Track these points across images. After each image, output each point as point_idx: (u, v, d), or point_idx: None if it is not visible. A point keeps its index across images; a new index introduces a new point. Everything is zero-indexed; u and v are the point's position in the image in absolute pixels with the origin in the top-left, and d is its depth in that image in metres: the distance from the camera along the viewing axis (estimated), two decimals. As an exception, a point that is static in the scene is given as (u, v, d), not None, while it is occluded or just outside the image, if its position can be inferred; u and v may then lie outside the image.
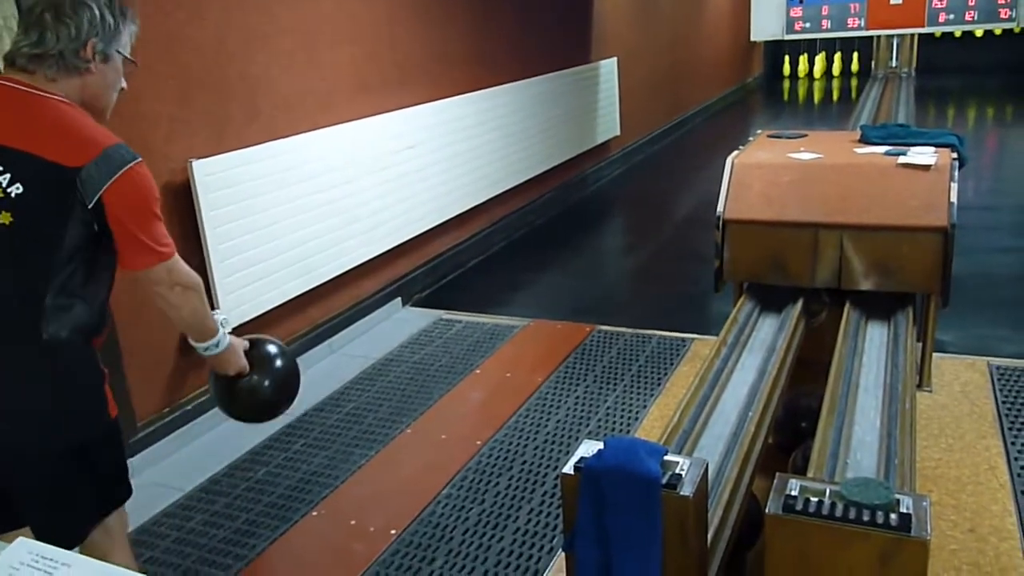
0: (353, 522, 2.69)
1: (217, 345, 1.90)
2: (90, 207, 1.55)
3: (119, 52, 1.71)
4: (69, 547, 1.37)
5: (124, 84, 1.77)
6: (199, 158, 3.21)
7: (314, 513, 2.74)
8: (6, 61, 1.63)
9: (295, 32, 3.74)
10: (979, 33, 13.31)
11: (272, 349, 2.13)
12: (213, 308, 3.28)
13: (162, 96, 3.11)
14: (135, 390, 3.06)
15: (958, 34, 13.79)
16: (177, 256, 1.74)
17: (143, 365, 3.10)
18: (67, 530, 1.70)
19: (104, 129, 1.63)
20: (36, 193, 1.54)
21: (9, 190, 1.53)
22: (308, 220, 3.77)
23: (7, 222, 1.54)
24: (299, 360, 3.76)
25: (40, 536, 1.38)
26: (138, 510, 2.82)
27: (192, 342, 1.88)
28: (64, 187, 1.52)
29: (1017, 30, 13.32)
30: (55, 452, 1.65)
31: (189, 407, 3.29)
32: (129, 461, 3.00)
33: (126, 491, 1.87)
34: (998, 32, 13.36)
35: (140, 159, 1.63)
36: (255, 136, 3.51)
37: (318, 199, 3.83)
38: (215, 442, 3.27)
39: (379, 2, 4.33)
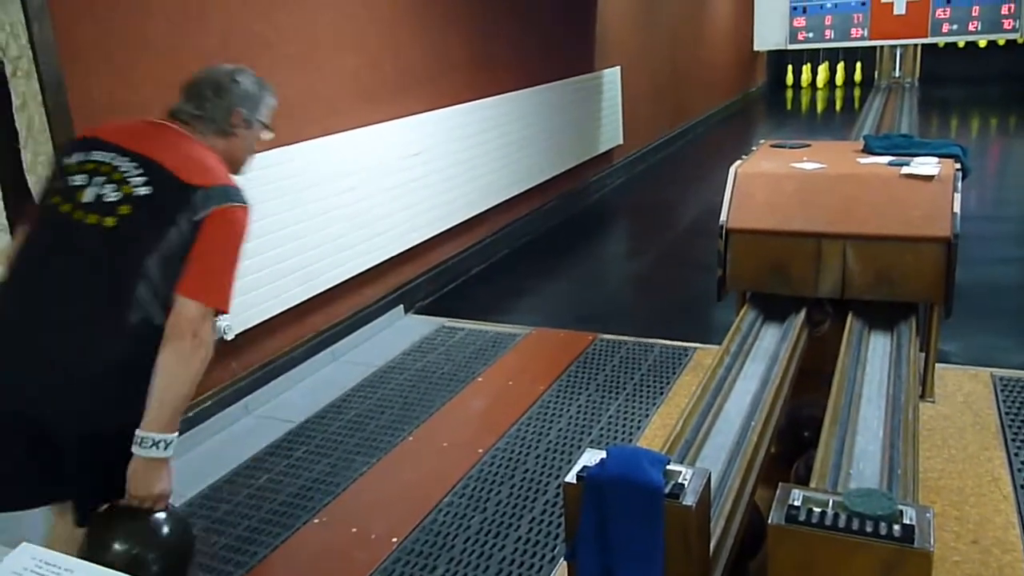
0: (355, 530, 2.68)
1: (166, 447, 1.73)
2: (195, 219, 1.71)
3: (259, 120, 2.03)
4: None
5: (256, 149, 2.07)
6: (203, 165, 3.21)
7: (316, 520, 2.74)
8: (169, 115, 1.92)
9: (298, 39, 3.76)
10: (982, 44, 13.35)
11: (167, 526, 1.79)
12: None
13: (167, 104, 3.11)
14: (138, 396, 3.06)
15: (961, 44, 13.86)
16: (215, 317, 1.79)
17: (146, 371, 3.11)
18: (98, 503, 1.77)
19: (232, 177, 1.85)
20: (158, 197, 1.72)
21: (138, 190, 1.73)
22: (310, 227, 3.78)
23: (125, 213, 1.71)
24: (302, 367, 3.81)
25: (80, 507, 1.72)
26: (140, 516, 2.82)
27: (142, 428, 1.69)
28: (182, 197, 1.71)
29: (1021, 40, 13.38)
30: (113, 431, 1.72)
31: (191, 414, 3.29)
32: (131, 467, 3.02)
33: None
34: (1001, 43, 13.42)
35: (249, 206, 1.82)
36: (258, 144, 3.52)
37: (320, 206, 3.83)
38: (216, 449, 3.27)
39: (382, 10, 4.34)
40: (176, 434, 1.75)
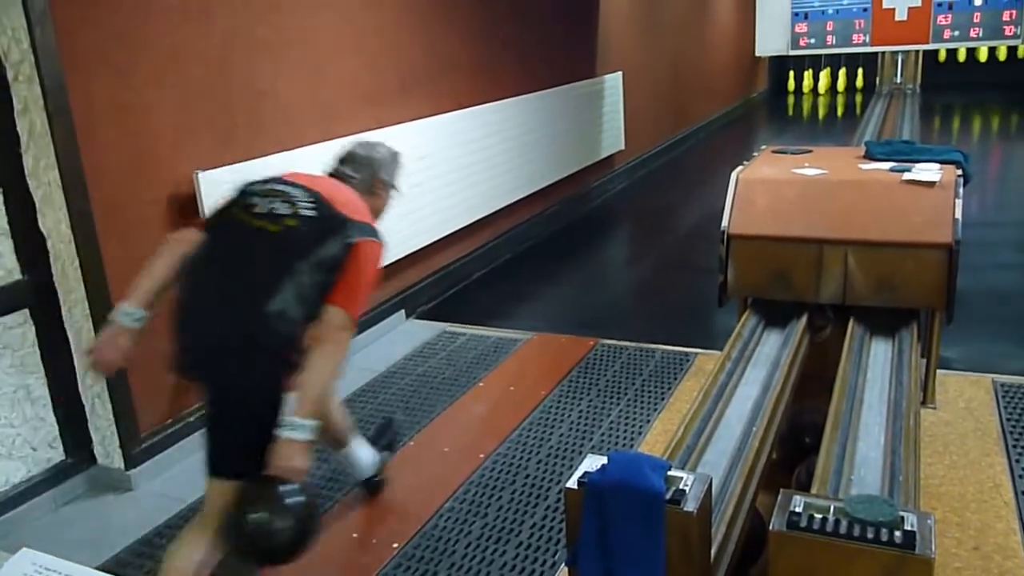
0: (355, 535, 2.68)
1: (309, 431, 1.96)
2: (347, 243, 2.06)
3: (393, 184, 2.49)
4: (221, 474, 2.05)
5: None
6: (205, 169, 3.22)
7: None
8: (330, 175, 2.40)
9: (300, 44, 3.77)
10: (983, 58, 13.41)
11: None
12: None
13: (168, 108, 3.13)
14: (139, 402, 3.06)
15: (962, 58, 13.90)
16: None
17: (147, 376, 3.10)
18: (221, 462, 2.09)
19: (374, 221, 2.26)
20: (319, 219, 2.08)
21: (304, 211, 2.09)
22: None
23: (290, 224, 2.06)
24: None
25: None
26: (140, 521, 2.82)
27: (295, 413, 1.95)
28: (339, 224, 2.09)
29: (1022, 54, 13.39)
30: (244, 393, 2.05)
31: (192, 419, 3.29)
32: (131, 472, 3.03)
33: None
34: (1002, 57, 13.45)
35: (385, 245, 2.21)
36: (260, 148, 3.53)
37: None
38: (218, 453, 3.27)
39: (384, 15, 4.35)
40: (317, 421, 1.99)
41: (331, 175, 2.40)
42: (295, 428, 1.93)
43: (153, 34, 3.05)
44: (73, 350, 2.96)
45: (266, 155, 3.53)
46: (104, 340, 2.16)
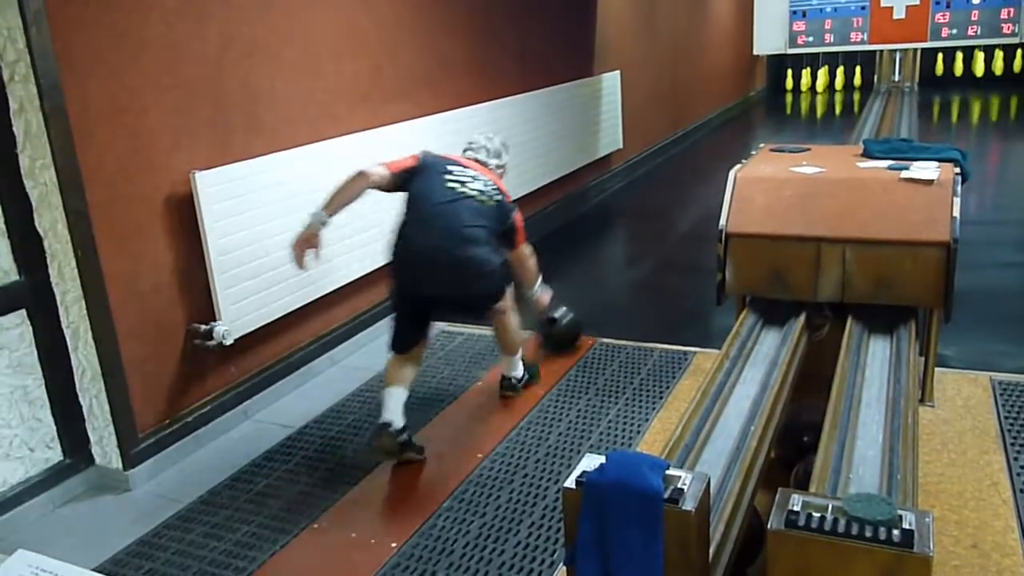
0: (354, 534, 2.68)
1: (541, 290, 3.75)
2: (512, 222, 3.31)
3: (505, 167, 3.55)
4: (479, 318, 3.54)
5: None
6: (202, 169, 3.21)
7: (315, 525, 2.74)
8: (477, 160, 3.41)
9: (298, 44, 3.76)
10: (979, 72, 13.49)
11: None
12: (215, 319, 3.30)
13: (165, 108, 3.13)
14: (136, 401, 3.06)
15: (959, 72, 13.95)
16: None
17: (144, 376, 3.10)
18: (477, 313, 3.46)
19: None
20: (500, 204, 3.22)
21: (493, 196, 3.20)
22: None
23: (485, 202, 3.15)
24: (300, 372, 3.82)
25: (468, 315, 3.79)
26: (138, 522, 2.82)
27: (526, 290, 3.66)
28: (508, 209, 3.29)
29: (1018, 67, 13.43)
30: (478, 265, 3.10)
31: (190, 419, 3.29)
32: (129, 473, 3.03)
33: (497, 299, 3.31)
34: (998, 71, 13.49)
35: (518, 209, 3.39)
36: (257, 148, 3.53)
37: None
38: (216, 454, 3.27)
39: (382, 14, 4.35)
40: (540, 284, 3.72)
41: (478, 163, 3.36)
42: (535, 290, 3.71)
43: (150, 34, 3.05)
44: (70, 350, 2.95)
45: (263, 155, 3.52)
46: (302, 238, 2.94)
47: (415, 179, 3.15)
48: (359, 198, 3.06)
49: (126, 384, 3.02)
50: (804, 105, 14.28)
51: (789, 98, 15.09)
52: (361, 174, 3.04)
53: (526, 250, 3.48)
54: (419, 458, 3.09)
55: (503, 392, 3.57)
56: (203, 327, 3.28)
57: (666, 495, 1.55)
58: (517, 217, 3.33)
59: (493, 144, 3.46)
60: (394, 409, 3.05)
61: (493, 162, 3.41)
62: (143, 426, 3.10)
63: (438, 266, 3.03)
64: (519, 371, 3.60)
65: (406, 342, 3.22)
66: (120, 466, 3.03)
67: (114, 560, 2.61)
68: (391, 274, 3.22)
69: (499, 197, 3.21)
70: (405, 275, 3.16)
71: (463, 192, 3.12)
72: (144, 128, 3.05)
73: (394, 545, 2.59)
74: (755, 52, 8.89)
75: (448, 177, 3.15)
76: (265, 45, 3.57)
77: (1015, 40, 8.00)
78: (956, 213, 2.77)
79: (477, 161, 3.36)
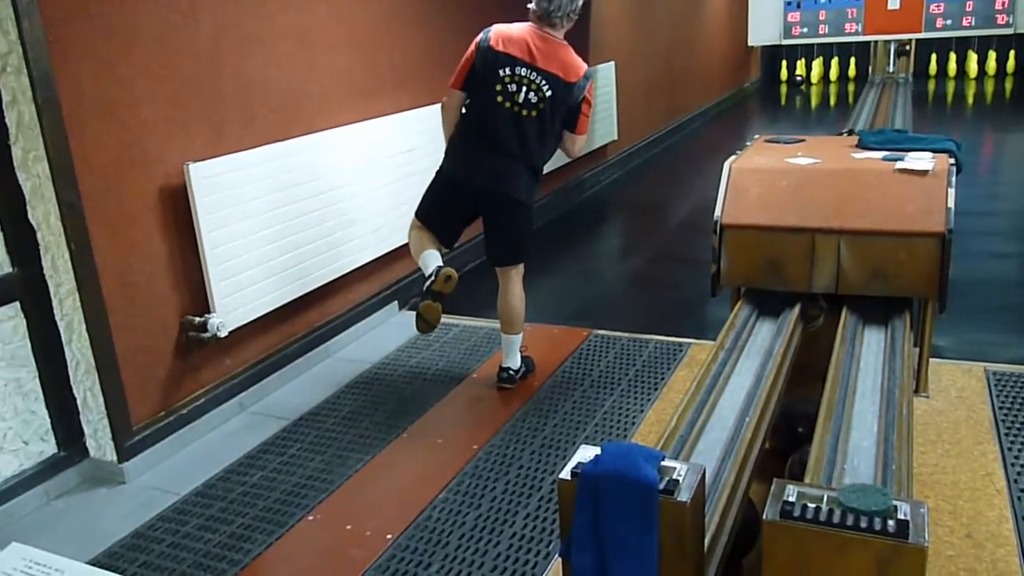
0: (349, 527, 2.68)
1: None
2: (578, 101, 3.28)
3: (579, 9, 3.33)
4: (498, 262, 3.55)
5: None
6: (195, 161, 3.20)
7: (310, 518, 2.74)
8: (540, 17, 3.25)
9: (292, 35, 3.74)
10: (972, 74, 13.57)
11: None
12: (209, 311, 3.29)
13: (158, 99, 3.11)
14: (131, 394, 3.05)
15: (952, 72, 14.04)
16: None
17: (139, 369, 3.10)
18: (510, 252, 3.50)
19: (581, 61, 3.29)
20: (558, 96, 3.22)
21: (547, 93, 3.21)
22: (305, 224, 3.76)
23: (543, 107, 3.23)
24: (296, 364, 3.81)
25: (491, 251, 3.57)
26: (133, 514, 2.82)
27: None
28: (569, 92, 3.24)
29: (1011, 68, 13.50)
30: (520, 200, 3.37)
31: (185, 411, 3.28)
32: (123, 466, 3.02)
33: (527, 256, 3.55)
34: (991, 72, 13.56)
35: (592, 76, 3.35)
36: (251, 139, 3.51)
37: (315, 202, 3.82)
38: (211, 446, 3.26)
39: (377, 6, 4.33)
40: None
41: (543, 18, 3.22)
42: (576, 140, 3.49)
43: (143, 25, 3.03)
44: (64, 343, 2.94)
45: (257, 146, 3.50)
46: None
47: (470, 84, 3.27)
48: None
49: (120, 377, 3.01)
50: (799, 96, 14.27)
51: (784, 89, 15.09)
52: (445, 108, 3.38)
53: (579, 143, 3.42)
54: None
55: (500, 384, 3.56)
56: (197, 319, 3.27)
57: (661, 486, 1.55)
58: (585, 103, 3.28)
59: None
60: (434, 259, 3.45)
61: (565, 25, 3.29)
62: (137, 418, 3.10)
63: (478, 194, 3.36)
64: (517, 361, 3.58)
65: (431, 219, 3.50)
66: (114, 458, 3.02)
67: (108, 553, 2.61)
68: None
69: (556, 90, 3.19)
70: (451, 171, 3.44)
71: (510, 110, 3.20)
72: (137, 119, 3.03)
73: (389, 537, 2.59)
74: (750, 43, 8.88)
75: (499, 88, 3.19)
76: (259, 36, 3.55)
77: (1010, 31, 8.00)
78: (951, 204, 2.77)
79: (551, 29, 3.25)
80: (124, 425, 3.03)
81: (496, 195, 3.34)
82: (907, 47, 9.12)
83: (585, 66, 3.28)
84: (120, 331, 3.00)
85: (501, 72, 3.20)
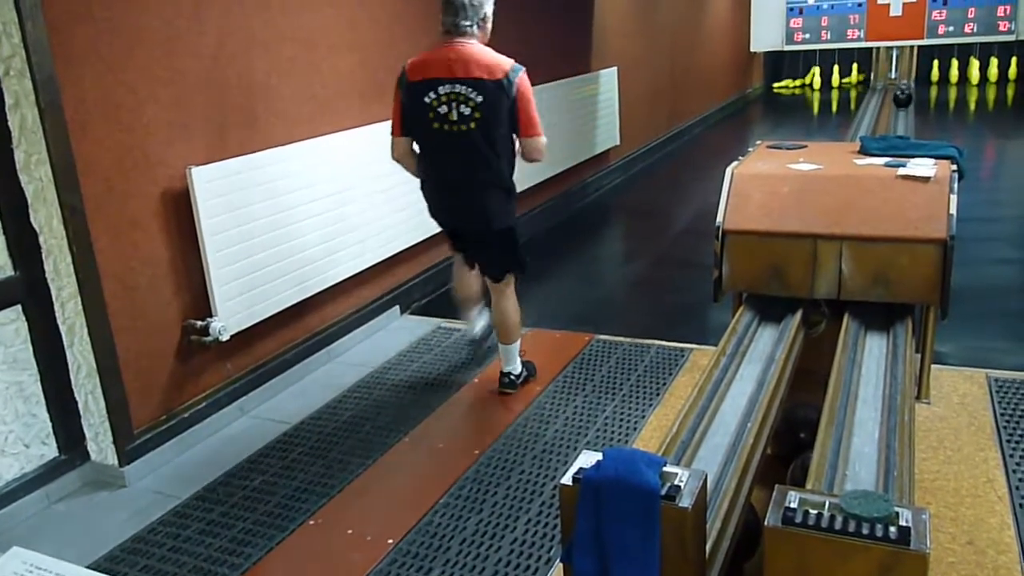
0: (350, 531, 2.68)
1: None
2: (512, 96, 3.04)
3: (491, 10, 3.16)
4: (495, 278, 3.45)
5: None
6: (198, 165, 3.20)
7: (311, 522, 2.73)
8: (447, 32, 3.08)
9: (295, 39, 3.75)
10: (974, 80, 13.62)
11: None
12: (211, 315, 3.29)
13: (161, 102, 3.12)
14: (132, 397, 3.06)
15: (954, 79, 14.13)
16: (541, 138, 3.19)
17: (140, 372, 3.10)
18: (499, 270, 3.41)
19: (503, 57, 3.08)
20: (489, 99, 3.03)
21: (478, 99, 3.02)
22: (307, 228, 3.77)
23: (478, 117, 3.04)
24: (297, 368, 3.81)
25: (487, 270, 3.48)
26: (133, 518, 2.82)
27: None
28: (500, 90, 3.02)
29: (1013, 74, 13.53)
30: (499, 227, 3.27)
31: (186, 415, 3.28)
32: (124, 469, 3.02)
33: (521, 269, 3.44)
34: (992, 78, 13.61)
35: (524, 69, 3.10)
36: (254, 143, 3.52)
37: (317, 207, 3.83)
38: (212, 450, 3.26)
39: (380, 11, 4.34)
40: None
41: (450, 32, 3.06)
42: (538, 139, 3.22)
43: (146, 29, 3.04)
44: (65, 346, 2.94)
45: (260, 150, 3.51)
46: None
47: (408, 126, 3.19)
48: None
49: (121, 380, 3.01)
50: (801, 102, 14.28)
51: (787, 94, 15.10)
52: (398, 159, 3.31)
53: (537, 145, 3.18)
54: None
55: (502, 389, 3.55)
56: (199, 323, 3.27)
57: (663, 492, 1.55)
58: (521, 97, 3.06)
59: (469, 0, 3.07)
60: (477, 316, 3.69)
61: (472, 25, 3.08)
62: (138, 422, 3.10)
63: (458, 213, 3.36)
64: (518, 367, 3.58)
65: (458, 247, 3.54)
66: (115, 462, 3.02)
67: (109, 557, 2.61)
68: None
69: (486, 93, 3.01)
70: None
71: (450, 131, 3.07)
72: (140, 123, 3.04)
73: (391, 542, 2.59)
74: (752, 49, 8.89)
75: (431, 116, 3.08)
76: (262, 40, 3.56)
77: (1011, 38, 8.00)
78: (953, 210, 2.77)
79: (462, 38, 3.08)
80: (125, 429, 3.03)
81: (474, 231, 3.35)
82: (907, 91, 9.18)
83: (510, 61, 3.07)
84: (122, 334, 3.00)
85: (426, 99, 3.07)
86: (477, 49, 3.07)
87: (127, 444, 3.04)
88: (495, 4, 3.19)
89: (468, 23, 3.06)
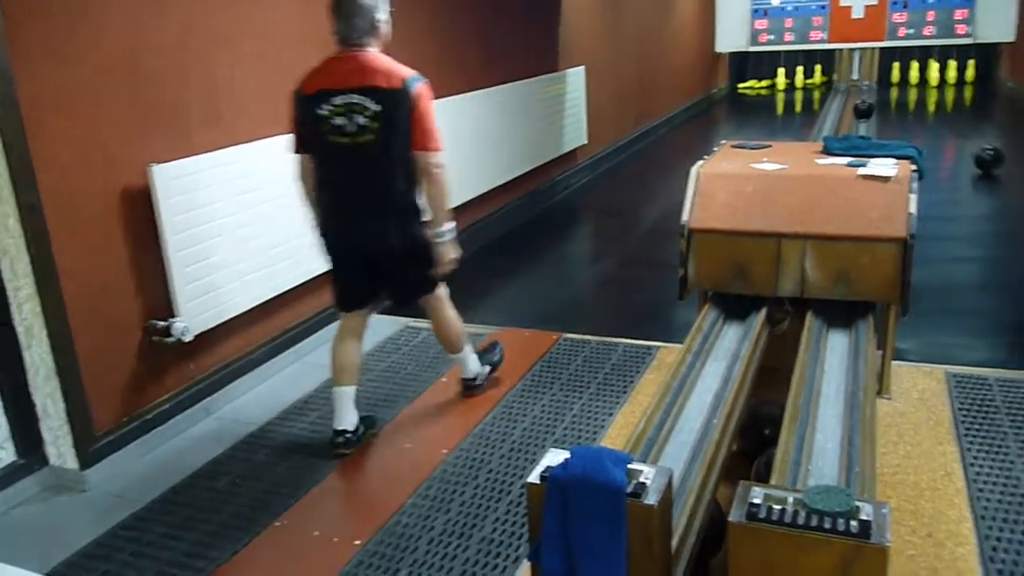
0: (317, 533, 2.65)
1: (450, 232, 3.03)
2: (409, 105, 2.81)
3: (385, 16, 2.94)
4: (408, 304, 3.33)
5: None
6: (159, 162, 3.16)
7: (277, 524, 2.71)
8: (342, 42, 2.88)
9: (260, 35, 3.71)
10: (933, 82, 13.90)
11: None
12: (174, 315, 3.24)
13: (122, 99, 3.06)
14: (93, 400, 3.00)
15: (914, 80, 14.44)
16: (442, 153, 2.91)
17: (101, 374, 3.04)
18: (407, 298, 3.27)
19: (401, 65, 2.88)
20: (387, 107, 2.81)
21: (375, 108, 2.81)
22: (273, 226, 3.73)
23: (376, 127, 2.82)
24: (264, 367, 3.77)
25: (396, 299, 3.33)
26: (94, 523, 2.76)
27: (434, 227, 3.00)
28: (397, 98, 2.81)
29: (970, 77, 13.84)
30: (400, 251, 3.01)
31: (149, 416, 3.23)
32: (86, 473, 2.96)
33: (432, 287, 3.20)
34: (951, 80, 13.92)
35: (426, 80, 2.90)
36: (218, 140, 3.47)
37: (281, 205, 3.78)
38: (176, 453, 3.21)
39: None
40: (453, 224, 3.04)
41: (344, 42, 2.88)
42: (443, 233, 3.01)
43: (107, 24, 2.98)
44: (23, 348, 2.88)
45: (223, 147, 3.47)
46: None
47: (306, 141, 2.97)
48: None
49: (82, 382, 2.95)
50: (765, 102, 14.45)
51: (751, 95, 15.27)
52: (299, 178, 3.08)
53: (434, 161, 2.90)
54: (373, 432, 3.23)
55: (465, 393, 3.52)
56: (161, 323, 3.22)
57: (629, 489, 1.56)
58: (417, 106, 2.82)
59: (355, 6, 2.85)
60: (345, 411, 3.16)
61: (363, 32, 2.86)
62: (99, 425, 3.04)
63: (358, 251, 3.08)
64: (474, 369, 3.49)
65: (346, 295, 3.22)
66: (76, 466, 2.96)
67: (69, 563, 2.56)
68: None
69: (384, 101, 2.79)
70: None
71: (348, 145, 2.85)
72: (100, 119, 2.98)
73: (358, 543, 2.58)
74: (717, 50, 8.98)
75: (327, 128, 2.85)
76: (226, 36, 3.51)
77: (969, 40, 8.17)
78: (913, 209, 2.82)
79: (357, 46, 2.87)
80: (86, 432, 2.98)
81: (373, 252, 3.05)
82: (868, 103, 9.35)
83: (410, 71, 2.87)
84: (81, 336, 2.94)
85: (320, 111, 2.84)
86: (373, 56, 2.87)
87: (88, 447, 2.98)
88: (391, 9, 3.00)
89: (358, 31, 2.86)
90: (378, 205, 2.95)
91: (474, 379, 3.50)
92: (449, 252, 3.05)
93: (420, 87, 2.86)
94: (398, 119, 2.82)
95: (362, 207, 2.97)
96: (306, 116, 2.91)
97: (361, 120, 2.82)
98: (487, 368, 3.56)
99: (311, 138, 2.94)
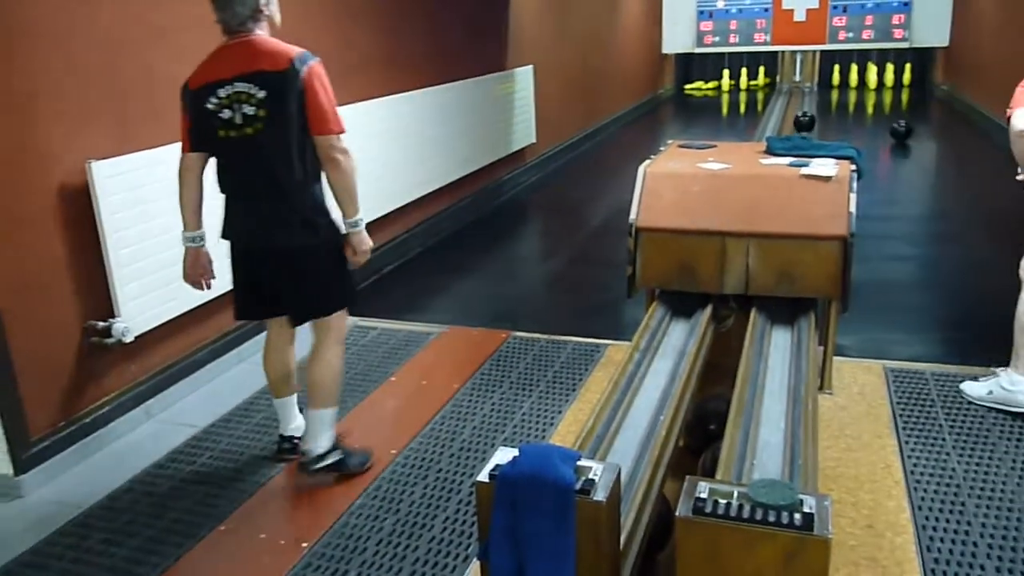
0: (263, 536, 2.61)
1: (362, 222, 2.73)
2: (300, 87, 2.54)
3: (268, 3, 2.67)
4: (303, 321, 2.87)
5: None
6: (98, 159, 3.07)
7: (222, 528, 2.65)
8: (227, 31, 2.63)
9: (199, 27, 3.61)
10: (872, 85, 14.29)
11: None
12: (113, 316, 3.16)
13: (59, 93, 2.97)
14: (29, 403, 2.90)
15: (853, 83, 14.85)
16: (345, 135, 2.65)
17: (37, 377, 2.94)
18: (300, 313, 2.84)
19: (289, 45, 2.63)
20: (274, 92, 2.55)
21: (260, 94, 2.56)
22: (213, 224, 3.64)
23: (263, 115, 2.56)
24: (207, 369, 3.69)
25: (291, 312, 2.86)
26: (31, 530, 2.68)
27: (344, 218, 2.70)
28: (285, 79, 2.54)
29: (907, 80, 14.28)
30: (302, 251, 2.70)
31: (88, 420, 3.14)
32: (21, 479, 2.87)
33: (346, 300, 2.86)
34: (889, 83, 14.34)
35: (318, 59, 2.64)
36: (158, 137, 3.38)
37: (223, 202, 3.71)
38: (116, 456, 3.13)
39: (288, 3, 4.23)
40: (360, 215, 2.72)
41: (229, 31, 2.64)
42: (355, 223, 2.71)
43: (40, 16, 2.89)
44: (-47, 350, 2.78)
45: (164, 144, 3.38)
46: (189, 264, 2.84)
47: (196, 139, 2.70)
48: (202, 192, 2.76)
49: (16, 386, 2.86)
50: (711, 103, 14.67)
51: (696, 96, 15.49)
52: (179, 174, 2.75)
53: (328, 145, 2.61)
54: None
55: (301, 470, 2.85)
56: (100, 324, 3.13)
57: (577, 486, 1.57)
58: (310, 86, 2.55)
59: None
60: (290, 417, 3.08)
61: (246, 17, 2.61)
62: (36, 429, 2.94)
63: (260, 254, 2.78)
64: (325, 443, 2.80)
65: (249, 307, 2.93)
66: (11, 471, 2.86)
67: (4, 571, 2.48)
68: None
69: (270, 85, 2.54)
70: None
71: (237, 138, 2.59)
72: (36, 114, 2.89)
73: (305, 545, 2.54)
74: (664, 51, 9.08)
75: (216, 123, 2.60)
76: (164, 28, 3.43)
77: (906, 44, 8.41)
78: (853, 209, 2.89)
79: (242, 33, 2.61)
80: (21, 436, 2.88)
81: (272, 252, 2.73)
82: (809, 116, 9.56)
83: (298, 49, 2.60)
84: (16, 338, 2.84)
85: (208, 106, 2.59)
86: (259, 40, 2.61)
87: (23, 452, 2.88)
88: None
89: (239, 17, 2.59)
90: (275, 201, 2.64)
91: (321, 456, 2.79)
92: (363, 243, 2.73)
93: (312, 65, 2.57)
94: (288, 103, 2.53)
95: (258, 205, 2.68)
96: (196, 110, 2.64)
97: (248, 109, 2.56)
98: (337, 457, 2.84)
99: (201, 135, 2.67)
